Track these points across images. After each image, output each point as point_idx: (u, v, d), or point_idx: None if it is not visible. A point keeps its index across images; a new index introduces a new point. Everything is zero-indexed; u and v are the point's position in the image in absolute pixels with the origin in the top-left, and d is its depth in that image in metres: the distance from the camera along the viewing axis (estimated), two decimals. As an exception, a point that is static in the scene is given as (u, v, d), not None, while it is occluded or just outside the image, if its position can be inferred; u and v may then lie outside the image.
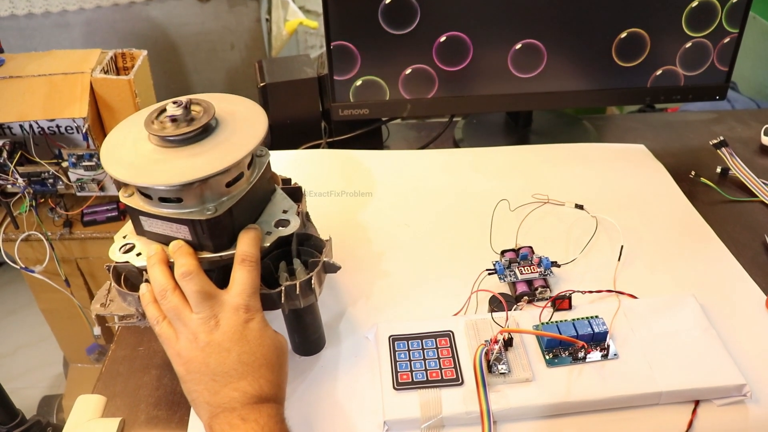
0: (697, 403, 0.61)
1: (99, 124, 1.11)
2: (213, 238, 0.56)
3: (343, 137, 1.05)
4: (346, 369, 0.66)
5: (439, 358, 0.64)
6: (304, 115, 1.03)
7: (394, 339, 0.66)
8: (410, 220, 0.86)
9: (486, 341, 0.63)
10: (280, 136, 1.02)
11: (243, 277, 0.55)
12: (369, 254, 0.80)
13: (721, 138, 0.94)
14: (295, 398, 0.63)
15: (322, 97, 1.03)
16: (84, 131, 1.06)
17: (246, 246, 0.56)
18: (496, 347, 0.62)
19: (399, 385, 0.61)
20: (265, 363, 0.53)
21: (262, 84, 0.99)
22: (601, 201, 0.86)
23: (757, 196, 0.90)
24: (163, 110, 0.57)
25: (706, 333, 0.65)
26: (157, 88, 1.22)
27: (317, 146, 1.04)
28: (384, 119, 1.07)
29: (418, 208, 0.89)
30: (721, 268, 0.77)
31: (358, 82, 0.95)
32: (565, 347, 0.64)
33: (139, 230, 0.60)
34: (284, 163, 0.96)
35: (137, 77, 1.10)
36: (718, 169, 0.95)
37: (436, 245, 0.82)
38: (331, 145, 1.05)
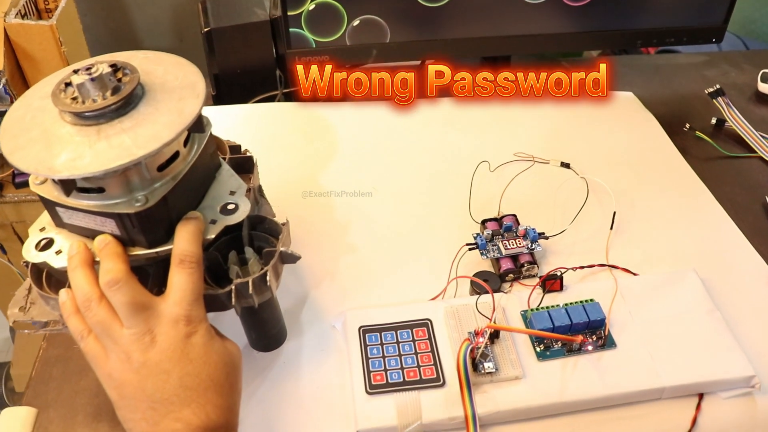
0: (701, 396, 0.55)
1: (20, 77, 0.98)
2: (145, 232, 0.47)
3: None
4: (311, 365, 0.59)
5: (416, 353, 0.57)
6: (256, 64, 0.91)
7: (365, 330, 0.59)
8: (378, 185, 0.77)
9: (470, 333, 0.56)
10: (229, 89, 0.90)
11: (182, 282, 0.45)
12: (332, 227, 0.72)
13: (718, 86, 0.85)
14: (254, 402, 0.56)
15: (276, 43, 0.91)
16: (2, 85, 0.93)
17: (184, 243, 0.46)
18: (482, 341, 0.55)
19: (372, 388, 0.54)
20: (212, 385, 0.45)
21: (206, 29, 0.86)
22: (589, 158, 0.79)
23: (756, 152, 0.82)
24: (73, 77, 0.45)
25: (711, 316, 0.59)
26: (89, 32, 1.07)
27: (272, 98, 0.93)
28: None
29: (387, 169, 0.80)
30: (721, 237, 0.71)
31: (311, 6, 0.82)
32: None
33: (59, 222, 0.50)
34: (234, 119, 0.85)
35: (61, 21, 0.95)
36: (713, 120, 0.88)
37: (408, 214, 0.73)
38: (288, 97, 0.94)
